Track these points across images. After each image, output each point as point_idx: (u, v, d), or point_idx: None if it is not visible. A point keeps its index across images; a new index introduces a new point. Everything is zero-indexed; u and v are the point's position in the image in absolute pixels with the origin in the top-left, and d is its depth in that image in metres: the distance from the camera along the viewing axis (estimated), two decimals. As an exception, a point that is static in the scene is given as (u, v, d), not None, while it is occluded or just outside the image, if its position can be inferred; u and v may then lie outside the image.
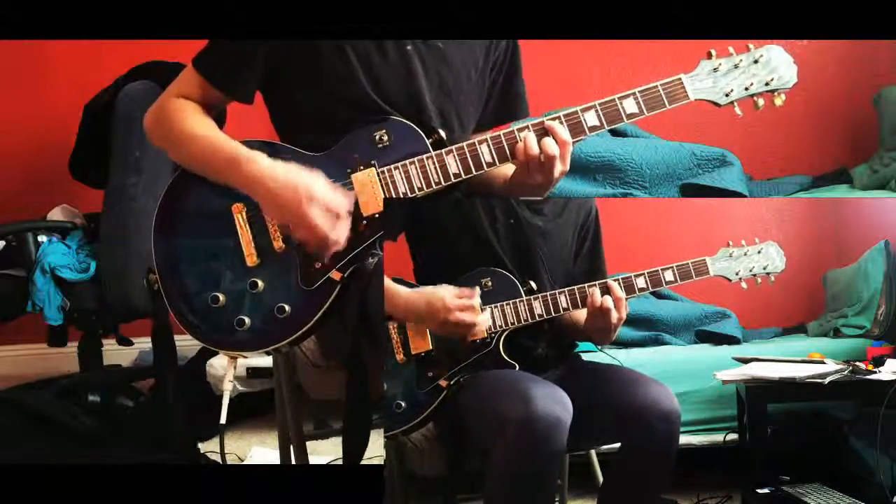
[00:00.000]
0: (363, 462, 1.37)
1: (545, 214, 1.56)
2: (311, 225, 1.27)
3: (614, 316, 1.46)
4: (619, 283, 1.48)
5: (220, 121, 1.44)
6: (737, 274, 1.53)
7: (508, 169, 1.37)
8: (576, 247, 1.60)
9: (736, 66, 1.29)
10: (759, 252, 1.54)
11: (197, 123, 1.37)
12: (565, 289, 1.48)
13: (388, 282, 1.42)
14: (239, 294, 1.35)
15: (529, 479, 1.29)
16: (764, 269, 1.53)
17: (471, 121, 1.47)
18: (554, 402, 1.29)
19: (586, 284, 1.49)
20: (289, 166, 1.29)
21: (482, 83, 1.47)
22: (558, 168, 1.29)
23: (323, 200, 1.27)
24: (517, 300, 1.50)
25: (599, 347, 2.34)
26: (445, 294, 1.44)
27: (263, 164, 1.30)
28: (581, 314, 1.52)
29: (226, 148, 1.33)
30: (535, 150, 1.28)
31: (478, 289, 1.48)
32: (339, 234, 1.29)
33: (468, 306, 1.44)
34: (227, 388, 1.47)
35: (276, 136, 1.46)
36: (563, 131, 1.28)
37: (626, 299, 1.48)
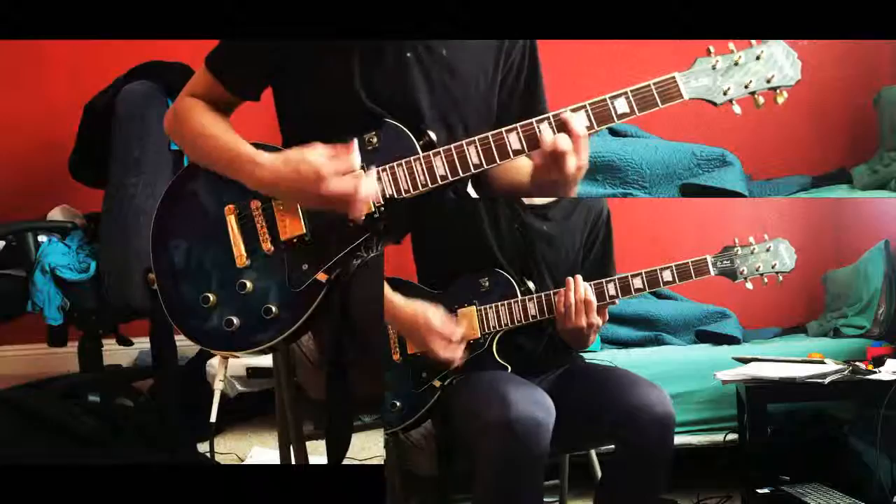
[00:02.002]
0: (363, 462, 1.37)
1: (551, 219, 1.53)
2: (334, 193, 1.25)
3: (584, 321, 1.43)
4: (616, 284, 1.46)
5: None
6: (741, 273, 1.46)
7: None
8: (584, 250, 1.58)
9: (736, 64, 1.23)
10: (767, 250, 1.46)
11: (205, 121, 1.38)
12: (560, 289, 1.46)
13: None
14: (228, 294, 1.36)
15: (513, 482, 1.29)
16: (773, 267, 1.46)
17: (478, 129, 1.40)
18: (534, 405, 1.28)
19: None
20: (286, 153, 1.28)
21: (492, 89, 1.44)
22: (572, 162, 1.23)
23: (332, 168, 1.24)
24: (511, 300, 1.48)
25: (600, 348, 2.33)
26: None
27: (265, 159, 1.30)
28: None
29: (230, 147, 1.34)
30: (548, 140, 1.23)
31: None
32: (361, 185, 1.25)
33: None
34: (218, 388, 1.48)
35: (278, 134, 1.46)
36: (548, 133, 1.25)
37: (609, 304, 1.46)
